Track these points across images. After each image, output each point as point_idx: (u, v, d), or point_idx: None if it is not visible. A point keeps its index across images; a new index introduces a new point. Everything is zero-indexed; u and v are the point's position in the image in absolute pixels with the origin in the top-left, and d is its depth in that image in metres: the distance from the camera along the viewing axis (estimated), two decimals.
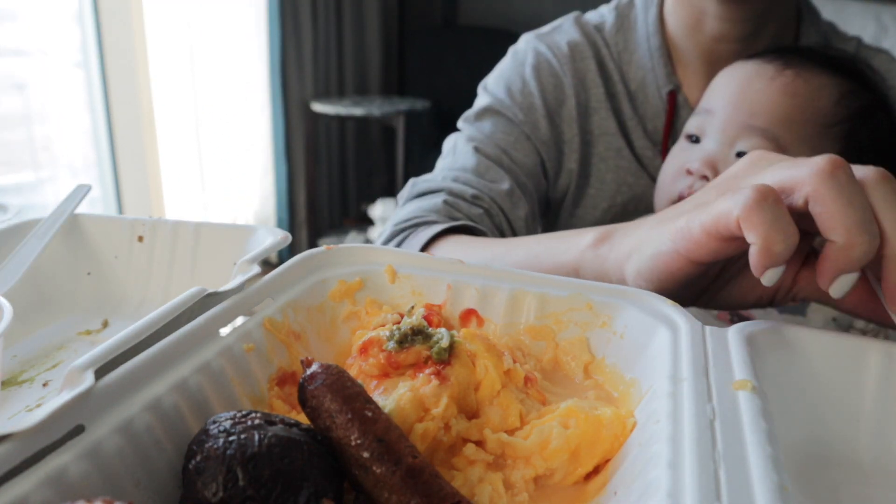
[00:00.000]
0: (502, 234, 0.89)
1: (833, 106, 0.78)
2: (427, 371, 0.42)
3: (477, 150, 0.92)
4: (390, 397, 0.41)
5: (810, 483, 0.41)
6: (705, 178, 0.80)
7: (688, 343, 0.43)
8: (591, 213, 0.98)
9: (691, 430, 0.36)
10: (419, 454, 0.35)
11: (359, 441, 0.34)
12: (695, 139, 0.84)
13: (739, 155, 0.78)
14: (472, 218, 0.85)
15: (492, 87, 0.99)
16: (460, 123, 0.99)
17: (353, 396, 0.36)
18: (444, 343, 0.43)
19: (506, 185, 0.90)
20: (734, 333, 0.45)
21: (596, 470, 0.40)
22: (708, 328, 0.46)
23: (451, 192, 0.88)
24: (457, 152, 0.94)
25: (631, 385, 0.45)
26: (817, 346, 0.46)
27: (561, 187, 0.99)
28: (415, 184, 0.92)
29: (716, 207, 0.47)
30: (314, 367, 0.37)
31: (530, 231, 0.92)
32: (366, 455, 0.34)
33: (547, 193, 0.99)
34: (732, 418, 0.37)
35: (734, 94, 0.81)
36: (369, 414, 0.35)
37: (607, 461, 0.40)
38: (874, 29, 2.53)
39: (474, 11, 3.85)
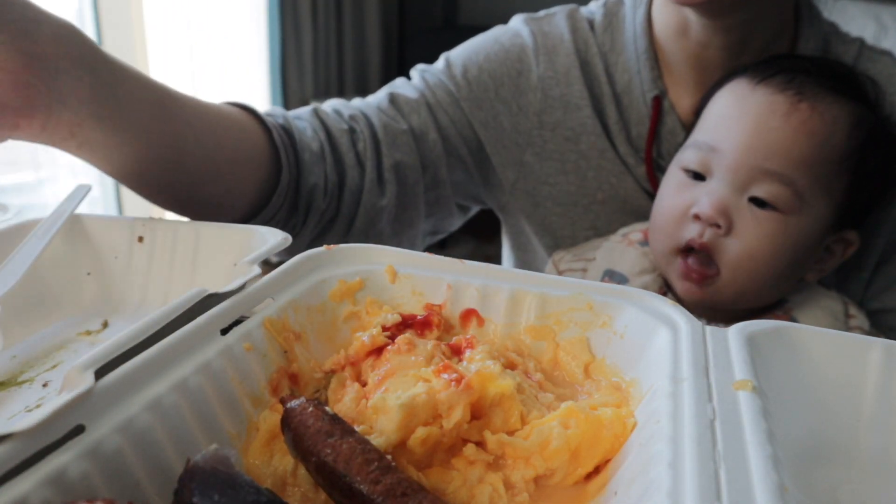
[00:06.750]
0: (359, 159, 0.89)
1: (846, 140, 0.76)
2: (448, 376, 0.42)
3: (391, 92, 0.95)
4: (405, 393, 0.41)
5: (810, 482, 0.41)
6: (716, 226, 0.76)
7: (688, 343, 0.43)
8: (572, 209, 0.97)
9: (691, 430, 0.36)
10: (385, 474, 0.35)
11: (328, 482, 0.36)
12: (696, 176, 0.80)
13: (752, 200, 0.75)
14: (332, 129, 0.87)
15: (453, 56, 0.98)
16: (412, 70, 1.00)
17: (314, 437, 0.36)
18: None
19: (403, 125, 0.91)
20: (734, 333, 0.45)
21: (596, 470, 0.40)
22: (708, 328, 0.46)
23: (333, 107, 0.92)
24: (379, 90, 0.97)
25: (631, 385, 0.45)
26: (817, 345, 0.46)
27: (510, 178, 0.98)
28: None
29: None
30: (284, 410, 0.39)
31: (401, 175, 0.92)
32: (336, 494, 0.36)
33: (488, 172, 0.99)
34: (733, 418, 0.37)
35: (746, 132, 0.76)
36: (328, 451, 0.36)
37: (607, 461, 0.40)
38: (874, 29, 2.53)
39: (474, 11, 3.85)
